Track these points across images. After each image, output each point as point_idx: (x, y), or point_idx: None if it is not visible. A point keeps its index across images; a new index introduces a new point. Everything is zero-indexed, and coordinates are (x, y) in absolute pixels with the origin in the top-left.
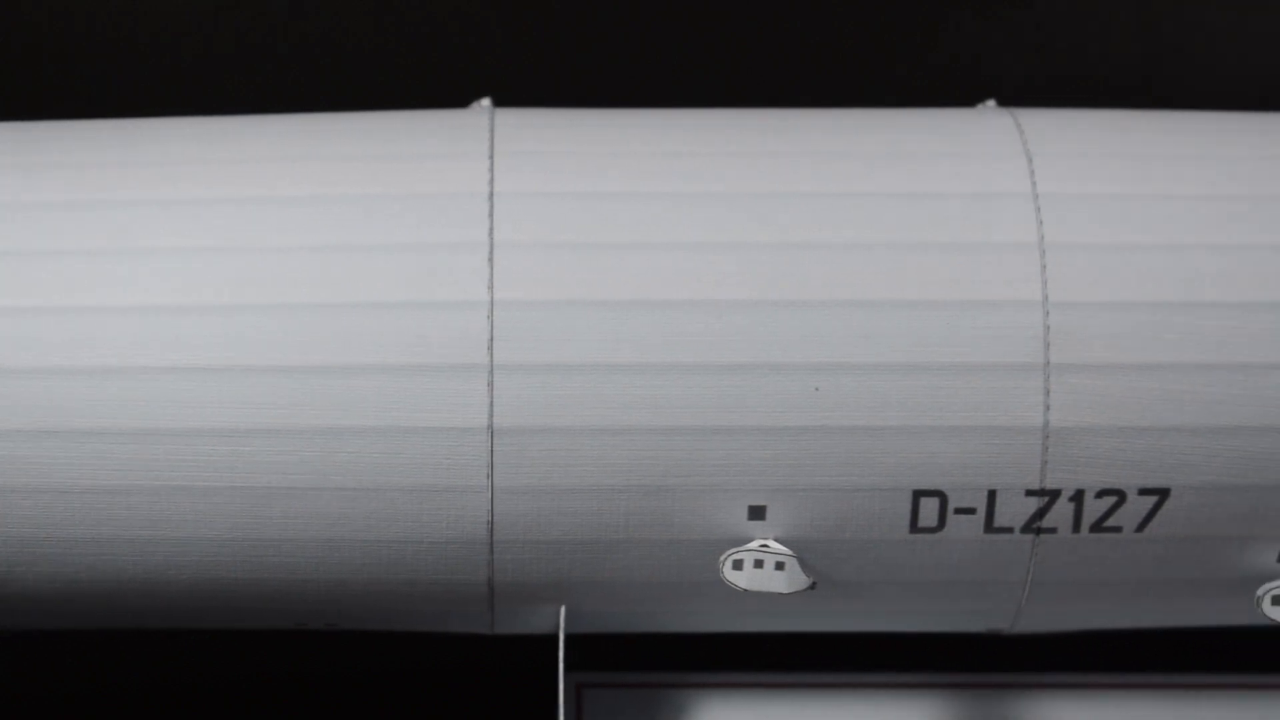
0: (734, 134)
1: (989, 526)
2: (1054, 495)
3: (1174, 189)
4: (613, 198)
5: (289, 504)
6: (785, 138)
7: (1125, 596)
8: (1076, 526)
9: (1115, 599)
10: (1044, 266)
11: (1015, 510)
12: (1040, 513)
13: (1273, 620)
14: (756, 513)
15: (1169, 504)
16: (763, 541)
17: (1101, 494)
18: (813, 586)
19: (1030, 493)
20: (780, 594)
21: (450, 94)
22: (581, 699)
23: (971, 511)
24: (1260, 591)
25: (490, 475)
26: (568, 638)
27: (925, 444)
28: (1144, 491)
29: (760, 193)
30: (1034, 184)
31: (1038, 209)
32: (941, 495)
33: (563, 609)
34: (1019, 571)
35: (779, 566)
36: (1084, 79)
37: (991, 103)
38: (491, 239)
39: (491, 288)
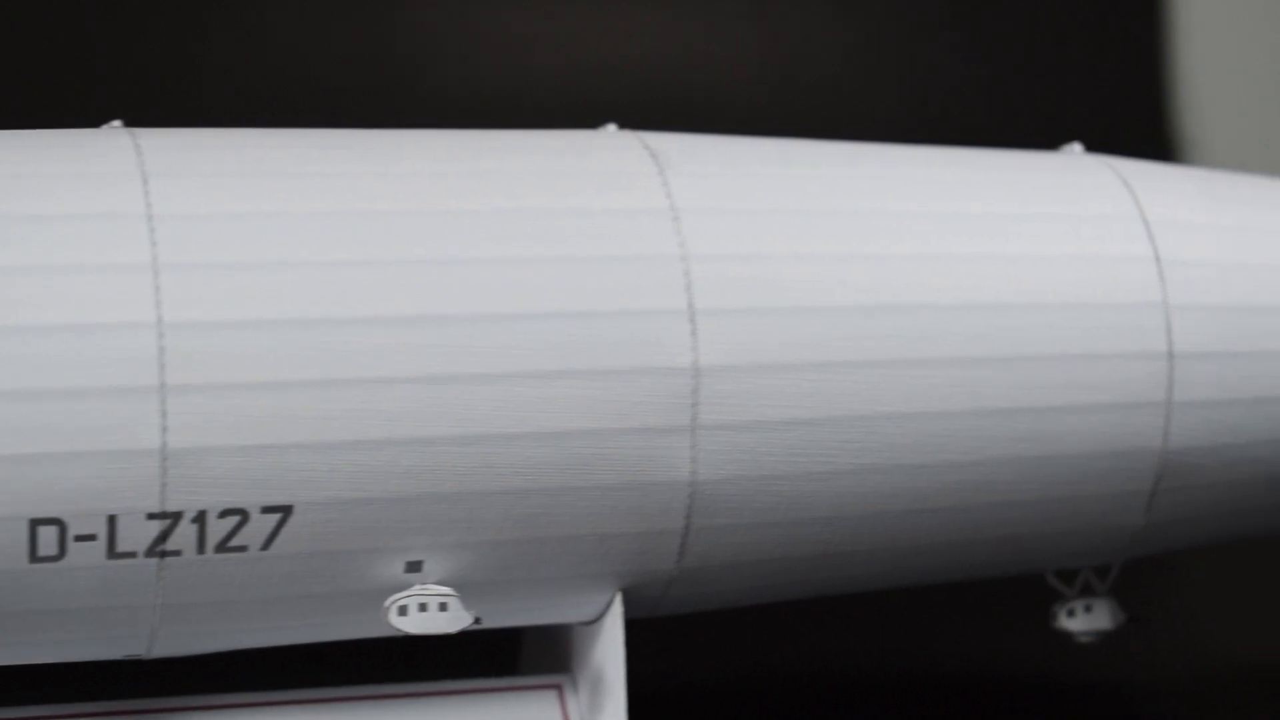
0: None
1: (111, 552)
2: (176, 517)
3: (318, 205)
4: None
5: None
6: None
7: (262, 615)
8: (202, 548)
9: (252, 617)
10: (157, 288)
11: (137, 534)
12: (164, 535)
13: (400, 630)
14: None
15: (293, 520)
16: None
17: (225, 514)
18: None
19: (152, 516)
20: None
21: None
22: None
23: (92, 538)
24: (387, 603)
25: None
26: None
27: (40, 471)
28: (267, 509)
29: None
30: (149, 205)
31: (152, 230)
32: (60, 523)
33: None
34: (147, 596)
35: None
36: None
37: (118, 123)
38: None
39: None
